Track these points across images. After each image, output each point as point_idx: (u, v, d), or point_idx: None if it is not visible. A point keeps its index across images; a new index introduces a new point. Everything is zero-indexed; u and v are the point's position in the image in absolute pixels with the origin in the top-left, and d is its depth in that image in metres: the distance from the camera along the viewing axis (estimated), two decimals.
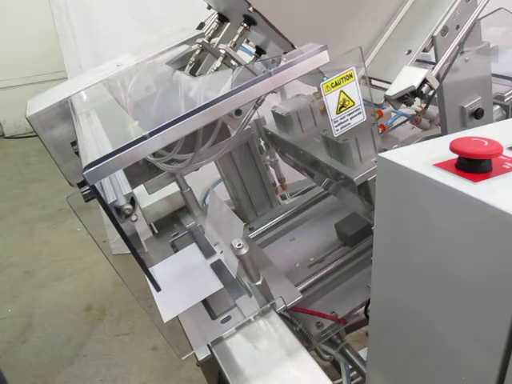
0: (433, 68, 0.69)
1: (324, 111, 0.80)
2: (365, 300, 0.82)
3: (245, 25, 0.69)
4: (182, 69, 0.84)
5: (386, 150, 0.72)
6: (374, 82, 0.72)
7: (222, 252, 0.88)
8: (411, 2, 0.73)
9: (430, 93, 0.67)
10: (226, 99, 0.51)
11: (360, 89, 0.63)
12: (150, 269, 0.65)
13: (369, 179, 0.72)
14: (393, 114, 0.88)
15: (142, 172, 0.86)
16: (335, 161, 0.78)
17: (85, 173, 0.48)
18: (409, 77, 0.66)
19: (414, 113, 0.89)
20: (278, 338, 0.67)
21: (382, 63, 0.72)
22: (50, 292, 2.34)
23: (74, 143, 0.84)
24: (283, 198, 1.23)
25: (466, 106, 0.76)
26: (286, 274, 0.81)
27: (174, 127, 0.50)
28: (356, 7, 0.70)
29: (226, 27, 0.82)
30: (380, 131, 0.77)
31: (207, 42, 0.79)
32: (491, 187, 0.38)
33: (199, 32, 0.90)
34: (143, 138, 0.49)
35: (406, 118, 0.89)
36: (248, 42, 0.85)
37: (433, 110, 0.91)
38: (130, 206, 0.62)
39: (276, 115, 0.94)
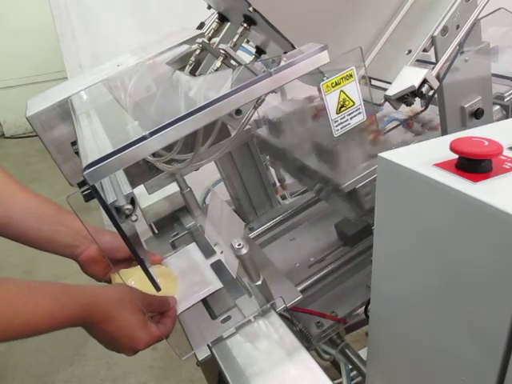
0: (433, 68, 0.69)
1: (315, 116, 0.80)
2: (365, 300, 0.82)
3: (245, 25, 0.69)
4: (182, 69, 0.84)
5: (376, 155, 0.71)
6: (373, 81, 0.72)
7: (222, 252, 0.88)
8: (411, 2, 0.73)
9: (430, 93, 0.67)
10: (226, 99, 0.51)
11: (360, 89, 0.63)
12: (149, 268, 0.65)
13: (357, 186, 0.71)
14: (385, 119, 0.88)
15: (142, 172, 0.86)
16: (325, 167, 0.77)
17: (85, 173, 0.48)
18: (409, 77, 0.66)
19: (406, 117, 0.88)
20: (278, 337, 0.67)
21: (382, 63, 0.72)
22: None
23: (74, 143, 0.84)
24: (283, 197, 1.23)
25: (466, 106, 0.76)
26: (286, 274, 0.81)
27: (174, 127, 0.50)
28: (356, 7, 0.70)
29: (226, 27, 0.82)
30: (372, 137, 0.77)
31: (207, 41, 0.79)
32: (491, 187, 0.38)
33: (199, 32, 0.90)
34: (143, 138, 0.49)
35: (398, 123, 0.89)
36: (248, 42, 0.85)
37: (425, 114, 0.90)
38: (130, 206, 0.62)
39: (267, 120, 0.93)
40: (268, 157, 1.10)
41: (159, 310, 0.74)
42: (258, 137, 0.99)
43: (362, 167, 0.72)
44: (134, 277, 0.80)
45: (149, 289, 0.72)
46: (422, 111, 0.84)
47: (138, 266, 0.81)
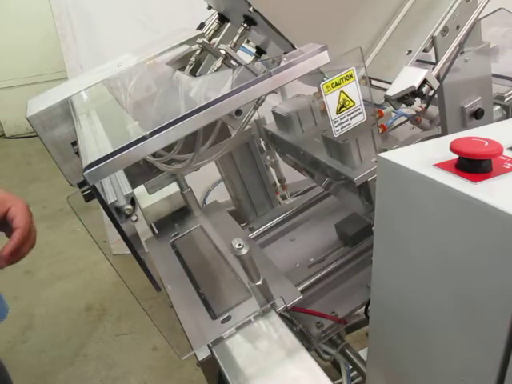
0: (433, 68, 0.69)
1: (324, 111, 0.80)
2: (365, 300, 0.82)
3: (245, 25, 0.69)
4: (182, 69, 0.84)
5: (386, 150, 0.72)
6: (374, 82, 0.72)
7: None
8: (411, 2, 0.73)
9: (430, 93, 0.67)
10: (227, 99, 0.51)
11: (360, 89, 0.63)
12: None
13: (369, 179, 0.72)
14: (393, 114, 0.88)
15: (142, 172, 0.86)
16: (335, 161, 0.78)
17: (85, 173, 0.48)
18: (409, 77, 0.66)
19: (415, 113, 0.89)
20: (278, 338, 0.67)
21: (382, 63, 0.72)
22: (50, 292, 2.34)
23: (75, 143, 0.85)
24: (283, 198, 1.23)
25: (466, 106, 0.76)
26: (286, 274, 0.81)
27: (175, 127, 0.50)
28: (356, 7, 0.70)
29: (227, 27, 0.82)
30: (380, 131, 0.77)
31: (207, 42, 0.79)
32: (491, 187, 0.38)
33: (199, 32, 0.90)
34: (144, 138, 0.49)
35: (406, 118, 0.89)
36: (248, 42, 0.85)
37: (433, 110, 0.91)
38: (130, 207, 0.62)
39: (276, 115, 0.94)
40: (277, 152, 1.10)
41: None
42: (267, 132, 1.00)
43: (373, 161, 0.73)
44: None
45: None
46: (423, 111, 0.84)
47: None
